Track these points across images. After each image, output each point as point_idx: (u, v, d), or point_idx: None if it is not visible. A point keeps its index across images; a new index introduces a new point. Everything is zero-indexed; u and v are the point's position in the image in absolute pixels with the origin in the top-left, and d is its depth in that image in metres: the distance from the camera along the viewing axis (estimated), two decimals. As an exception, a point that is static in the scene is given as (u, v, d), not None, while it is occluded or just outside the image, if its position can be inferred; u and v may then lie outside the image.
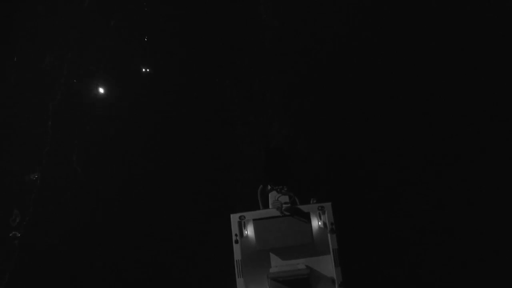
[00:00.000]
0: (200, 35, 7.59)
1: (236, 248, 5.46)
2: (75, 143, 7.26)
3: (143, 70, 7.56)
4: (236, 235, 5.49)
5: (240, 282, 5.39)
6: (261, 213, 5.62)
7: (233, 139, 7.17)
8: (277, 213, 5.56)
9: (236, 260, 5.43)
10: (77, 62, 7.58)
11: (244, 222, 5.61)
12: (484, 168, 6.76)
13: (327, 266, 5.58)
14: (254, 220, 5.58)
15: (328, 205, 5.53)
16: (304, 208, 5.58)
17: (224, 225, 6.58)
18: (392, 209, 6.66)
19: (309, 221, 5.55)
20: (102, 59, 7.61)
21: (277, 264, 5.63)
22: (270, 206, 5.86)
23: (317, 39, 7.49)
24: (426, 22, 7.48)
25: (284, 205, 5.62)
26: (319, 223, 5.67)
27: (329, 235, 5.44)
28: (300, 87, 7.34)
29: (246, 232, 5.68)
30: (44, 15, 7.79)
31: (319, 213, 5.64)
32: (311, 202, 5.63)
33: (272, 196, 5.89)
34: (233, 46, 7.54)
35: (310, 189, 6.69)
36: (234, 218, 5.54)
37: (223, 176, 7.00)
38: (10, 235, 6.92)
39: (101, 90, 7.52)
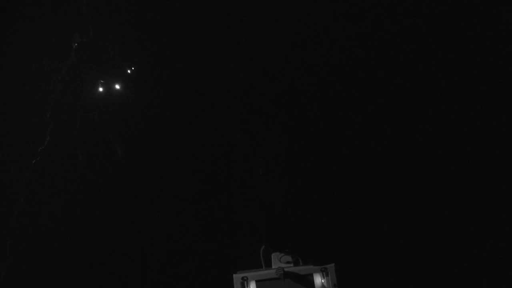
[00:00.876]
0: (198, 38, 7.51)
1: None
2: (73, 142, 7.25)
3: (142, 72, 7.49)
4: None
5: None
6: (264, 274, 5.60)
7: (231, 143, 7.12)
8: None
9: None
10: (77, 63, 7.55)
11: (246, 282, 5.59)
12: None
13: None
14: (257, 281, 5.56)
15: (331, 267, 5.53)
16: (307, 269, 5.58)
17: (224, 226, 6.78)
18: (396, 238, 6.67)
19: (312, 283, 5.55)
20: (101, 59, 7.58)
21: None
22: (273, 266, 5.86)
23: (317, 42, 7.39)
24: (428, 23, 7.33)
25: (286, 265, 5.66)
26: (323, 280, 5.63)
27: None
28: (300, 91, 7.25)
29: None
30: (44, 14, 7.71)
31: (323, 274, 5.62)
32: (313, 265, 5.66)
33: (275, 255, 5.90)
34: (232, 47, 7.45)
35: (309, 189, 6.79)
36: (237, 279, 5.54)
37: (222, 178, 6.99)
38: (7, 234, 6.95)
39: (101, 92, 7.47)
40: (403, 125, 7.07)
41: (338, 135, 7.09)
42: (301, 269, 5.57)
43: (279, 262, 5.76)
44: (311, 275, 5.56)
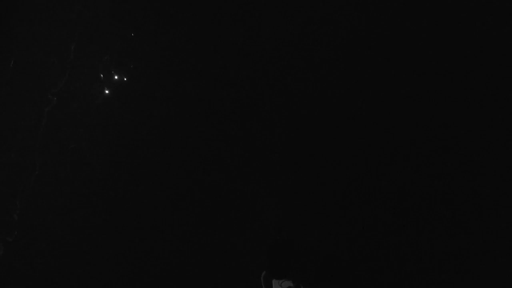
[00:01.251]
0: (196, 42, 7.43)
1: None
2: (69, 146, 7.22)
3: (140, 76, 7.39)
4: None
5: None
6: None
7: (230, 144, 7.01)
8: None
9: None
10: (77, 64, 7.50)
11: None
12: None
13: None
14: None
15: None
16: None
17: (223, 228, 6.64)
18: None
19: None
20: (100, 60, 7.53)
21: None
22: None
23: (317, 42, 7.27)
24: (430, 23, 7.18)
25: None
26: None
27: None
28: (299, 93, 7.14)
29: None
30: (42, 14, 7.66)
31: None
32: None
33: (276, 282, 5.93)
34: (230, 48, 7.38)
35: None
36: None
37: (221, 201, 6.84)
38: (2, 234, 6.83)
39: (99, 94, 7.42)
40: (407, 133, 6.99)
41: (340, 81, 6.99)
42: None
43: (280, 287, 5.82)
44: None
